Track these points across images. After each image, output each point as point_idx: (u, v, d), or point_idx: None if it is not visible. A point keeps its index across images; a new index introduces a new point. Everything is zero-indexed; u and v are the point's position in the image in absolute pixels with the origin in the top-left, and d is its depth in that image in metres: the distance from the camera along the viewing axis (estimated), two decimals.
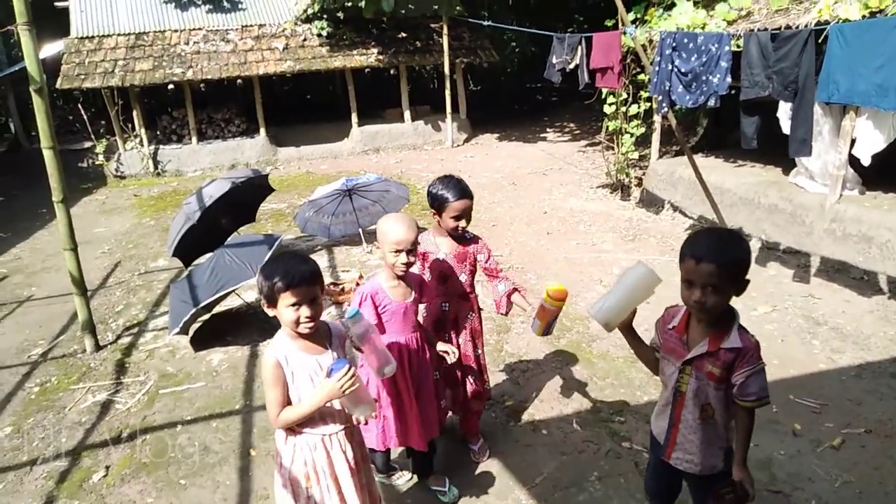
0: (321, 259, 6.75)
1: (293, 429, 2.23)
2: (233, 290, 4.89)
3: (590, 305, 2.30)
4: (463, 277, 3.10)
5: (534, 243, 6.84)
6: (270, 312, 2.16)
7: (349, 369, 2.07)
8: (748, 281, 1.97)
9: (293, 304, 2.08)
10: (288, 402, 2.17)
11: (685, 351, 2.09)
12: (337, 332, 2.32)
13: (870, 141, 5.27)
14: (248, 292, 5.81)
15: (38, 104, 4.36)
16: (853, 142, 5.36)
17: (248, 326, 5.11)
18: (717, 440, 2.13)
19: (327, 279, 6.07)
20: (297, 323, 2.10)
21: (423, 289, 2.85)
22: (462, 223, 2.95)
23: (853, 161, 5.49)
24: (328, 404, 2.17)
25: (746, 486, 2.02)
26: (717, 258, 1.90)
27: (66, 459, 3.58)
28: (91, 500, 3.23)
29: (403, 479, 3.15)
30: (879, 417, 3.48)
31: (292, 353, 2.17)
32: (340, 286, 5.66)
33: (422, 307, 3.06)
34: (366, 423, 2.36)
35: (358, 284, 5.62)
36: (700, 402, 2.09)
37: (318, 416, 2.23)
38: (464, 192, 2.92)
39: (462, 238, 3.09)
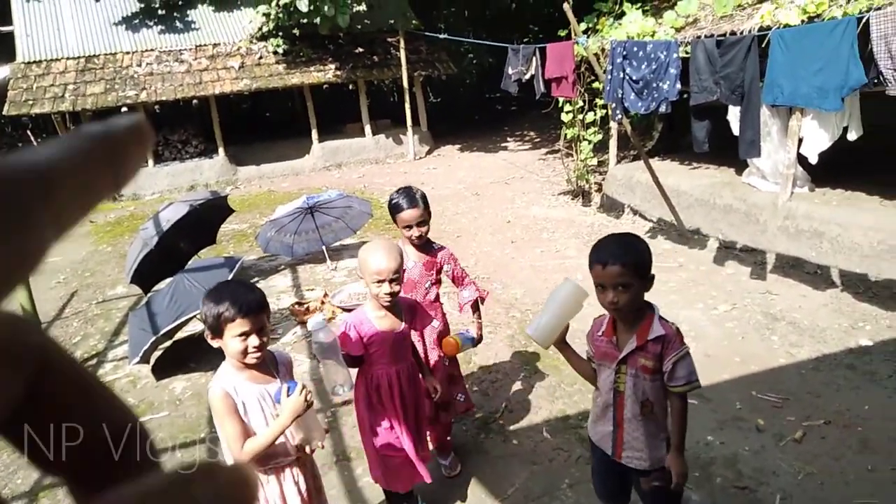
0: (285, 278, 6.67)
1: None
2: (194, 316, 4.78)
3: (527, 326, 2.40)
4: (428, 286, 3.13)
5: (499, 252, 6.88)
6: (215, 344, 2.09)
7: (304, 387, 2.07)
8: (654, 276, 2.15)
9: (241, 335, 2.02)
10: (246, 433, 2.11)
11: (617, 352, 2.20)
12: (283, 359, 2.30)
13: (816, 140, 5.44)
14: None
15: None
16: (801, 141, 5.54)
17: (211, 352, 4.94)
18: (659, 432, 2.23)
19: (292, 298, 5.99)
20: (245, 353, 2.05)
21: (416, 314, 2.76)
22: (414, 232, 3.00)
23: (802, 160, 5.67)
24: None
25: (673, 474, 2.13)
26: (621, 259, 2.07)
27: (23, 501, 3.44)
28: None
29: None
30: (837, 408, 3.58)
31: (241, 383, 2.11)
32: (305, 305, 5.59)
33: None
34: (312, 452, 2.31)
35: (323, 303, 5.57)
36: (638, 398, 2.19)
37: (270, 450, 2.17)
38: (412, 200, 2.97)
39: (428, 247, 3.14)
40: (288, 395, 2.06)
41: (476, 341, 3.26)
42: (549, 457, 3.37)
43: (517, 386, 4.13)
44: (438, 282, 3.22)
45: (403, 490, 2.81)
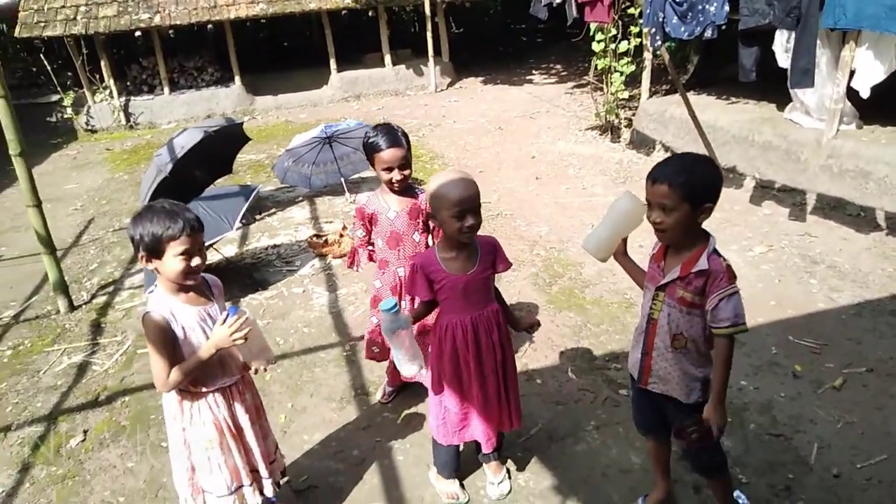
0: (302, 210, 6.53)
1: (189, 390, 2.12)
2: (210, 246, 4.68)
3: (582, 238, 2.33)
4: (416, 237, 2.87)
5: (522, 189, 6.64)
6: (150, 266, 2.02)
7: (241, 317, 2.00)
8: (710, 206, 1.95)
9: (183, 254, 1.96)
10: (180, 360, 2.05)
11: (661, 277, 2.08)
12: (213, 282, 2.24)
13: (870, 72, 5.05)
14: (226, 247, 5.60)
15: None
16: (852, 73, 5.15)
17: (227, 282, 4.85)
18: (693, 370, 2.10)
19: (309, 231, 5.86)
20: (187, 274, 1.99)
21: (497, 254, 2.41)
22: (395, 175, 2.69)
23: (850, 94, 5.29)
24: (223, 352, 2.08)
25: (712, 428, 1.99)
26: (669, 179, 1.93)
27: (42, 424, 3.44)
28: (69, 465, 3.10)
29: (459, 502, 2.66)
30: (880, 356, 3.40)
31: (178, 306, 2.05)
32: (324, 238, 5.45)
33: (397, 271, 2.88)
34: (264, 370, 2.21)
35: (342, 236, 5.42)
36: (671, 330, 2.07)
37: (219, 367, 2.13)
38: (395, 140, 2.66)
39: (410, 191, 2.85)
40: (224, 322, 2.02)
41: None
42: (575, 397, 3.26)
43: (541, 324, 3.98)
44: (427, 230, 2.92)
45: (454, 443, 2.56)
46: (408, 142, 2.74)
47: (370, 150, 2.71)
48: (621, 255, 2.30)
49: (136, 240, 1.99)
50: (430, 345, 2.54)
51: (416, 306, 2.56)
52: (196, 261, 2.00)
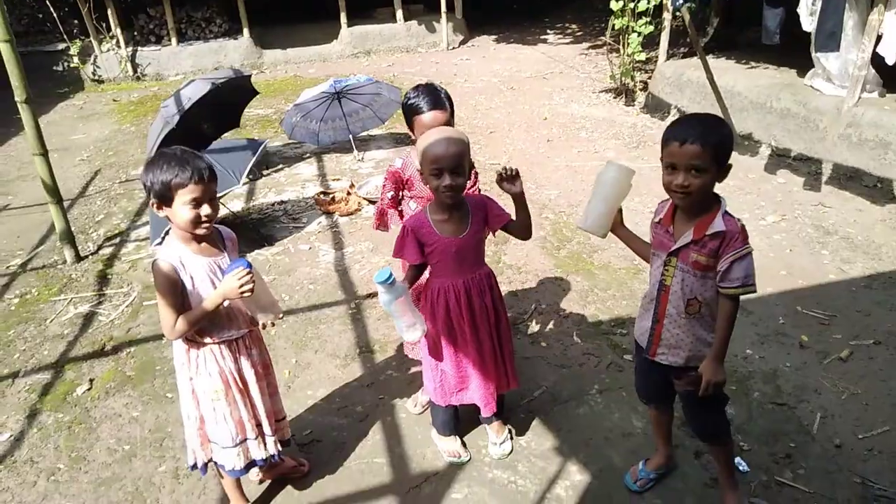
0: (310, 167, 6.46)
1: (196, 340, 2.12)
2: (220, 197, 4.64)
3: (576, 219, 2.21)
4: None
5: (533, 151, 6.54)
6: (161, 213, 2.01)
7: (246, 269, 1.97)
8: (730, 166, 1.94)
9: (192, 202, 1.94)
10: (188, 309, 2.04)
11: (672, 243, 2.03)
12: (227, 235, 2.22)
13: None
14: (233, 201, 5.57)
15: None
16: (879, 39, 4.98)
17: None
18: (706, 335, 2.07)
19: (317, 188, 5.81)
20: (196, 223, 1.97)
21: (488, 211, 2.32)
22: None
23: (875, 60, 5.12)
24: (229, 304, 2.08)
25: (703, 380, 2.00)
26: (702, 139, 1.86)
27: (49, 372, 3.47)
28: (75, 412, 3.13)
29: (461, 460, 2.68)
30: (889, 329, 3.37)
31: (187, 256, 2.04)
32: (331, 195, 5.41)
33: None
34: (272, 325, 2.22)
35: (349, 194, 5.37)
36: (685, 295, 2.03)
37: (226, 319, 2.13)
38: (437, 102, 2.44)
39: None
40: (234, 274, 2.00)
41: None
42: (579, 361, 3.26)
43: (547, 288, 3.97)
44: None
45: (452, 404, 2.57)
46: (451, 104, 2.52)
47: (409, 113, 2.50)
48: (619, 226, 2.24)
49: (147, 186, 1.98)
50: (420, 309, 2.45)
51: (407, 271, 2.47)
52: (205, 209, 1.97)
